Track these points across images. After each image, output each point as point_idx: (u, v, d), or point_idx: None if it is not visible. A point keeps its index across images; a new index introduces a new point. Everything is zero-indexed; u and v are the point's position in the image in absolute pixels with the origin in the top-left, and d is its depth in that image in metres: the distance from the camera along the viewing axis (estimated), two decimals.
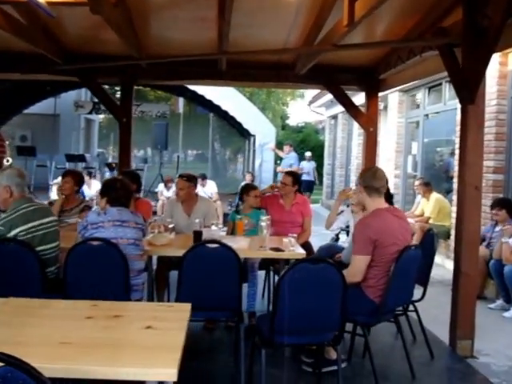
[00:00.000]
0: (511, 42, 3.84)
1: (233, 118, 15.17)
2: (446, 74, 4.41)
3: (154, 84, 11.80)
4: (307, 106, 16.58)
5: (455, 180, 6.51)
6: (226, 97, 14.23)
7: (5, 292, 2.48)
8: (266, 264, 4.68)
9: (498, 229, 5.49)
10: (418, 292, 3.82)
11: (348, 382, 3.32)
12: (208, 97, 14.20)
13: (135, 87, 6.82)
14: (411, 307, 3.94)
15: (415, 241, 5.87)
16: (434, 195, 7.42)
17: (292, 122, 29.07)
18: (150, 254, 3.89)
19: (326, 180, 15.93)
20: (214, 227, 3.99)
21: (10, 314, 2.26)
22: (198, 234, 3.86)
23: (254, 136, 15.31)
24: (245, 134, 16.45)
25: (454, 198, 6.30)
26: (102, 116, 20.09)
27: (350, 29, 3.85)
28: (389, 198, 3.64)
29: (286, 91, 24.07)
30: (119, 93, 7.22)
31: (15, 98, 12.68)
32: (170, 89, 15.21)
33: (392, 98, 10.09)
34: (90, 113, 16.03)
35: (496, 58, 6.04)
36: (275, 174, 14.65)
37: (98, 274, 3.15)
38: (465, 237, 3.96)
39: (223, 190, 12.93)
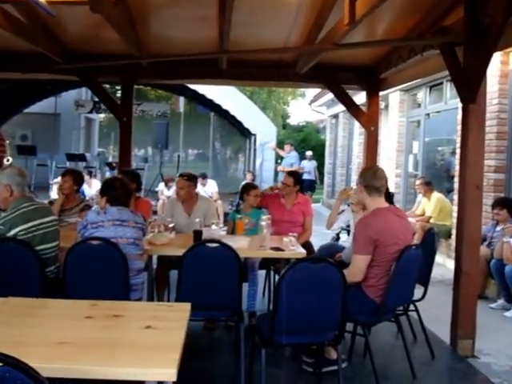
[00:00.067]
0: None
1: (233, 118, 15.15)
2: (447, 73, 4.40)
3: (155, 83, 11.79)
4: (308, 105, 16.56)
5: (456, 179, 6.50)
6: (226, 96, 14.22)
7: (4, 292, 2.48)
8: (266, 263, 4.67)
9: (499, 228, 5.48)
10: (418, 291, 3.81)
11: (348, 382, 3.31)
12: (209, 96, 14.18)
13: (136, 86, 6.81)
14: (412, 307, 3.93)
15: (416, 240, 5.85)
16: (435, 194, 7.41)
17: (293, 121, 29.07)
18: (150, 254, 3.88)
19: (326, 179, 15.92)
20: (214, 226, 3.98)
21: (9, 314, 2.25)
22: (198, 234, 3.86)
23: (254, 135, 15.29)
24: (245, 134, 16.44)
25: (455, 197, 6.30)
26: (102, 115, 20.07)
27: (351, 28, 3.84)
28: (389, 197, 3.64)
29: (287, 90, 24.07)
30: (120, 92, 7.21)
31: (16, 98, 12.67)
32: (171, 88, 15.18)
33: (393, 97, 10.07)
34: (91, 112, 16.03)
35: (497, 56, 6.02)
36: (276, 173, 14.64)
37: (97, 274, 3.14)
38: (466, 236, 3.95)
39: (224, 190, 12.92)
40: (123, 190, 3.35)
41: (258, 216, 4.40)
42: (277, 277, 4.08)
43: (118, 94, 11.12)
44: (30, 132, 16.01)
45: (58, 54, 5.32)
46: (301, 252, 3.82)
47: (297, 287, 2.77)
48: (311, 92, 16.82)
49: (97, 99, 13.37)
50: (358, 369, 3.58)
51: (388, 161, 10.41)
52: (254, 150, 15.36)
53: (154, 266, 4.27)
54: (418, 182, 7.84)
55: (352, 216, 4.69)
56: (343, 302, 2.85)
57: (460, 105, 4.09)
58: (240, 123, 15.23)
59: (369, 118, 6.42)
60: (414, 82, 7.82)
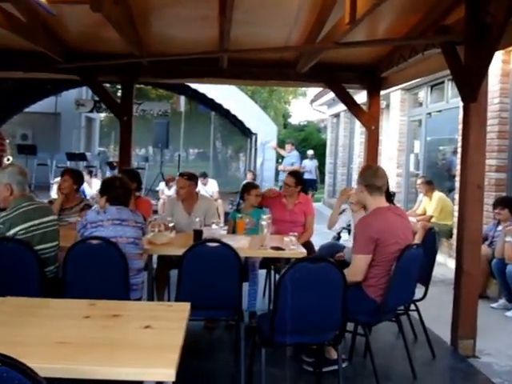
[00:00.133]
0: None
1: (234, 117, 15.14)
2: (448, 72, 4.38)
3: (155, 82, 11.77)
4: (309, 105, 16.55)
5: (457, 179, 6.48)
6: (227, 95, 14.20)
7: (3, 291, 2.47)
8: (266, 263, 4.66)
9: (500, 228, 5.47)
10: (419, 291, 3.80)
11: (349, 382, 3.30)
12: (209, 95, 14.17)
13: (136, 86, 6.80)
14: (413, 306, 3.92)
15: (417, 240, 5.84)
16: (437, 194, 7.40)
17: (294, 120, 29.05)
18: (150, 253, 3.87)
19: (327, 179, 15.91)
20: (214, 226, 3.97)
21: (8, 314, 2.25)
22: (198, 233, 3.85)
23: (255, 134, 15.27)
24: (246, 133, 16.42)
25: (457, 196, 6.28)
26: (103, 114, 20.06)
27: (352, 26, 3.82)
28: (389, 196, 3.62)
29: (288, 90, 24.04)
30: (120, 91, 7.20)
31: (16, 97, 12.65)
32: (171, 87, 15.17)
33: (394, 96, 10.06)
34: (91, 111, 16.02)
35: (499, 55, 6.01)
36: (277, 172, 14.62)
37: (97, 273, 3.13)
38: (467, 236, 3.93)
39: (225, 189, 12.91)
40: (123, 189, 3.34)
41: (259, 215, 4.39)
42: (277, 276, 4.07)
43: (119, 94, 11.11)
44: (30, 131, 16.00)
45: (58, 53, 5.31)
46: (301, 252, 3.81)
47: (297, 287, 2.76)
48: (312, 91, 16.81)
49: (97, 98, 13.35)
50: (359, 369, 3.56)
51: (389, 160, 10.39)
52: (255, 149, 15.34)
53: (155, 266, 4.26)
54: (419, 181, 7.82)
55: (352, 215, 4.67)
56: (343, 301, 2.84)
57: (461, 104, 4.08)
58: (241, 122, 15.21)
59: (370, 117, 6.40)
60: (416, 81, 7.81)
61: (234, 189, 12.73)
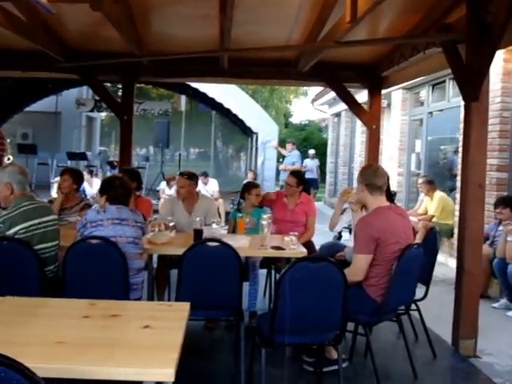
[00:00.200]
0: None
1: (235, 116, 15.11)
2: (449, 71, 4.37)
3: (156, 81, 11.75)
4: (310, 104, 16.53)
5: (459, 178, 6.47)
6: (228, 94, 14.18)
7: (3, 291, 2.46)
8: (267, 263, 4.65)
9: (501, 227, 5.45)
10: (420, 291, 3.79)
11: (349, 382, 3.30)
12: (210, 94, 14.15)
13: (137, 85, 6.79)
14: (413, 306, 3.91)
15: (418, 239, 5.83)
16: (438, 193, 7.38)
17: (295, 119, 29.05)
18: (151, 253, 3.86)
19: (328, 178, 15.89)
20: (214, 225, 3.96)
21: (7, 313, 2.24)
22: (198, 233, 3.84)
23: (256, 134, 15.24)
24: (247, 132, 16.40)
25: (458, 196, 6.26)
26: (103, 114, 20.07)
27: (353, 25, 3.81)
28: (390, 196, 3.61)
29: (289, 89, 24.02)
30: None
31: (16, 96, 12.65)
32: (172, 86, 15.16)
33: (395, 95, 10.04)
34: (92, 110, 16.01)
35: (500, 54, 5.99)
36: (278, 172, 14.61)
37: (96, 273, 3.13)
38: (468, 235, 3.92)
39: (226, 189, 12.90)
40: (123, 188, 3.33)
41: (259, 215, 4.38)
42: (278, 276, 4.06)
43: (120, 93, 11.11)
44: (30, 131, 15.99)
45: (58, 53, 5.30)
46: (302, 251, 3.80)
47: (297, 286, 2.75)
48: (313, 90, 16.79)
49: (98, 98, 13.35)
50: (359, 369, 3.55)
51: (390, 159, 10.38)
52: (256, 148, 15.31)
53: (155, 265, 4.26)
54: (420, 180, 7.81)
55: (352, 215, 4.65)
56: (344, 301, 2.83)
57: (463, 103, 4.06)
58: (242, 122, 15.19)
59: (370, 117, 6.39)
60: (417, 80, 7.79)
61: (234, 188, 12.71)
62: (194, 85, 13.41)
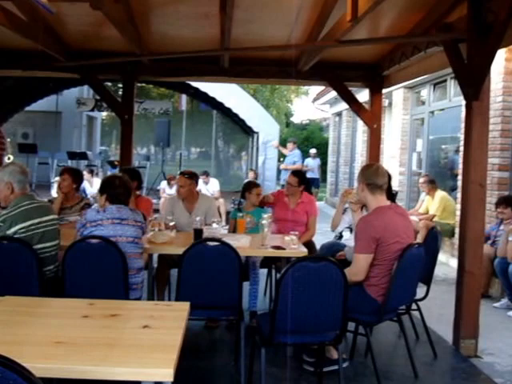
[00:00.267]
0: None
1: (236, 116, 15.10)
2: (450, 70, 4.35)
3: (156, 81, 11.74)
4: (311, 104, 16.52)
5: (460, 177, 6.45)
6: (229, 94, 14.16)
7: (2, 291, 2.46)
8: (267, 262, 4.64)
9: (503, 227, 5.44)
10: (421, 290, 3.78)
11: (350, 382, 3.29)
12: (211, 94, 14.13)
13: (138, 84, 6.79)
14: (414, 306, 3.90)
15: (420, 239, 5.82)
16: (439, 193, 7.36)
17: (296, 119, 29.07)
18: (151, 252, 3.86)
19: (330, 177, 15.87)
20: (215, 225, 3.95)
21: (5, 313, 2.23)
22: (198, 232, 3.83)
23: (257, 133, 15.22)
24: (248, 132, 16.39)
25: (459, 195, 6.25)
26: (104, 113, 20.06)
27: (354, 24, 3.80)
28: (391, 195, 3.60)
29: (291, 88, 24.01)
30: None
31: (17, 96, 12.64)
32: (173, 86, 15.15)
33: (397, 94, 10.02)
34: (92, 110, 15.98)
35: (502, 53, 5.98)
36: (279, 171, 14.60)
37: (96, 273, 3.11)
38: (469, 235, 3.91)
39: (227, 188, 12.89)
40: (123, 188, 3.32)
41: (260, 215, 4.37)
42: (278, 276, 4.05)
43: (121, 92, 11.10)
44: (31, 130, 15.99)
45: (58, 52, 5.30)
46: (302, 251, 3.79)
47: (297, 286, 2.74)
48: (315, 90, 16.79)
49: (98, 97, 13.33)
50: (360, 368, 3.54)
51: (391, 159, 10.36)
52: (257, 148, 15.29)
53: (155, 265, 4.25)
54: (421, 180, 7.79)
55: (352, 215, 4.64)
56: (344, 301, 2.82)
57: (464, 102, 4.04)
58: (243, 121, 15.18)
59: (371, 116, 6.38)
60: (418, 79, 7.77)
61: (235, 188, 12.71)
62: (195, 84, 13.40)
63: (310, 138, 23.24)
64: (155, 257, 4.20)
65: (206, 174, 10.45)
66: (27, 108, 14.38)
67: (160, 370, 1.71)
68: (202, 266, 3.24)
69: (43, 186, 12.07)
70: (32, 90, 12.76)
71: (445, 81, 8.15)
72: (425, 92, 9.26)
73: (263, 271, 4.79)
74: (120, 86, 13.07)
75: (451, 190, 7.92)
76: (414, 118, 9.73)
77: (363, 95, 7.67)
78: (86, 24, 4.83)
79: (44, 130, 16.03)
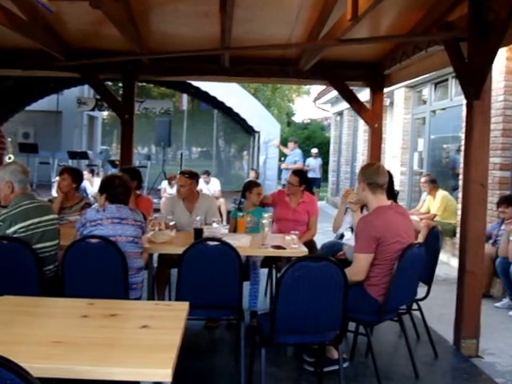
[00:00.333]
0: None
1: (237, 115, 15.08)
2: (452, 69, 4.34)
3: (157, 80, 11.73)
4: (313, 103, 16.51)
5: (461, 177, 6.44)
6: (230, 93, 14.15)
7: (1, 290, 2.45)
8: (268, 262, 4.64)
9: (504, 226, 5.43)
10: (422, 290, 3.77)
11: (350, 382, 3.28)
12: (212, 93, 14.12)
13: (139, 84, 6.78)
14: (415, 306, 3.88)
15: (421, 238, 5.80)
16: (440, 192, 7.34)
17: (297, 118, 29.06)
18: (151, 252, 3.85)
19: (331, 177, 15.86)
20: (215, 225, 3.95)
21: (4, 313, 2.22)
22: (198, 232, 3.82)
23: (258, 133, 15.21)
24: (249, 131, 16.37)
25: (460, 195, 6.24)
26: (105, 113, 20.06)
27: (354, 23, 3.79)
28: (393, 195, 3.58)
29: (292, 88, 24.00)
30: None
31: (17, 95, 12.64)
32: (173, 85, 15.13)
33: (398, 93, 10.00)
34: (93, 109, 15.99)
35: (503, 52, 5.96)
36: (280, 171, 14.59)
37: (96, 272, 3.11)
38: (470, 234, 3.90)
39: (228, 188, 12.88)
40: (123, 187, 3.31)
41: (261, 214, 4.36)
42: (279, 275, 4.04)
43: (121, 92, 11.09)
44: (31, 130, 15.98)
45: (58, 51, 5.29)
46: (302, 250, 3.78)
47: (297, 286, 2.73)
48: (316, 89, 16.78)
49: (99, 97, 13.32)
50: (360, 368, 3.53)
51: (393, 158, 10.35)
52: (258, 147, 15.28)
53: (155, 265, 4.24)
54: (422, 179, 7.77)
55: (352, 215, 4.62)
56: (344, 300, 2.81)
57: (465, 101, 4.03)
58: (244, 120, 15.16)
59: (373, 115, 6.36)
60: (420, 78, 7.76)
61: (237, 187, 12.69)
62: (195, 83, 13.38)
63: (312, 138, 23.23)
64: (155, 256, 4.20)
65: (208, 173, 10.46)
66: (28, 108, 14.38)
67: (158, 370, 1.70)
68: (202, 266, 3.23)
69: (44, 186, 12.07)
70: (32, 89, 12.75)
71: (446, 80, 8.13)
72: (426, 91, 9.24)
73: (264, 271, 4.79)
74: (120, 85, 13.07)
75: (452, 189, 7.91)
76: (416, 117, 9.72)
77: (364, 94, 7.65)
78: (86, 23, 4.82)
79: (45, 129, 16.03)
